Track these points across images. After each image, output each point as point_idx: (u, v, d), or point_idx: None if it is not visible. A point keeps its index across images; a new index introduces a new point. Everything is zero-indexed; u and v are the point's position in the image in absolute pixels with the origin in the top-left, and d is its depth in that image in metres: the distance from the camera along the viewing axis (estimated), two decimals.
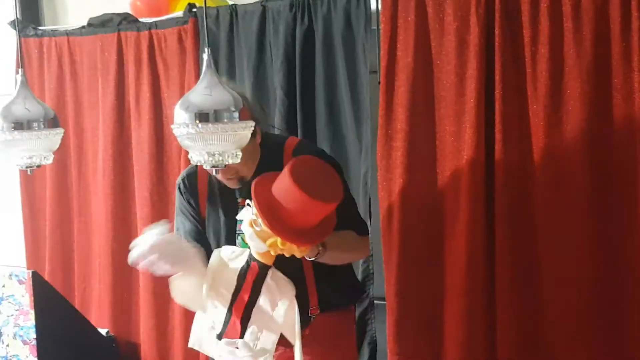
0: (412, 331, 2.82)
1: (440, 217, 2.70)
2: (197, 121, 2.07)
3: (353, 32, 3.01)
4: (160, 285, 3.55)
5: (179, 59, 3.49)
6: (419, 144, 2.75)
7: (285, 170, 2.28)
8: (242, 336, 2.35)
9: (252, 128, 2.14)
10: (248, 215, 2.31)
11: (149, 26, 3.57)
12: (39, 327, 3.11)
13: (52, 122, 2.53)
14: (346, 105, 3.06)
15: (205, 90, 2.10)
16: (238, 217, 2.43)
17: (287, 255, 2.28)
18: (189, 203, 2.63)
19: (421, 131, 2.72)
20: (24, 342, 3.16)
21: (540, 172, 2.55)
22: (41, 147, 2.52)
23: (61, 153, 3.85)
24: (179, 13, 3.52)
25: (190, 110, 2.08)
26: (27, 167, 2.53)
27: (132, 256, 2.39)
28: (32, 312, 3.11)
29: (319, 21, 3.06)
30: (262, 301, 2.37)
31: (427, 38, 2.71)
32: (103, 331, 3.56)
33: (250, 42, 3.24)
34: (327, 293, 2.54)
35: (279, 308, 2.36)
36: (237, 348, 2.34)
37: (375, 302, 3.06)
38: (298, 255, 2.28)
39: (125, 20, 3.64)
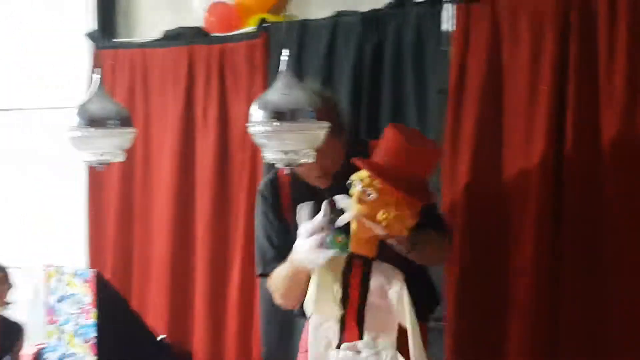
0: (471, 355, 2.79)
1: (505, 232, 2.70)
2: (273, 119, 2.09)
3: (423, 49, 3.02)
4: (216, 293, 3.62)
5: (248, 73, 3.54)
6: (484, 156, 2.77)
7: (386, 132, 2.27)
8: (361, 338, 2.27)
9: (327, 129, 2.16)
10: (347, 201, 2.24)
11: (220, 40, 3.63)
12: (100, 326, 3.14)
13: (126, 121, 2.59)
14: (412, 121, 3.06)
15: (283, 90, 2.14)
16: (338, 205, 2.27)
17: (397, 229, 2.19)
18: (274, 208, 2.59)
19: (487, 144, 2.74)
20: (85, 341, 3.20)
21: (610, 181, 2.54)
22: (113, 144, 2.59)
23: (128, 162, 3.91)
24: (250, 28, 3.57)
25: (268, 108, 2.12)
26: (98, 164, 2.59)
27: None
28: (94, 310, 3.14)
29: (389, 37, 3.09)
30: (373, 297, 2.28)
31: (499, 53, 2.74)
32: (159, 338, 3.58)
33: (319, 57, 3.27)
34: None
35: (390, 298, 2.27)
36: (359, 351, 2.26)
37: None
38: (411, 224, 2.20)
39: (198, 35, 3.72)
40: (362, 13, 3.18)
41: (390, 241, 2.26)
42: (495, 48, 2.76)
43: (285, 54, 2.16)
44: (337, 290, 2.30)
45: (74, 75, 4.06)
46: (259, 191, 2.65)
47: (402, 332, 2.29)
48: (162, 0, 4.10)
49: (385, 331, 2.29)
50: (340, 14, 3.25)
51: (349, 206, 2.24)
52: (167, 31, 3.80)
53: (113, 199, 3.94)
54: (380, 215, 2.18)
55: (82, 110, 2.52)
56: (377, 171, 2.19)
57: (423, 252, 2.35)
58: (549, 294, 2.65)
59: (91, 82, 2.59)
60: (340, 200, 2.26)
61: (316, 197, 2.41)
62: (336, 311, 2.31)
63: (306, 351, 2.46)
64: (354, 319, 2.29)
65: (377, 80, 3.16)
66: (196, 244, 3.70)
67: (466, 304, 2.81)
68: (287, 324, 3.30)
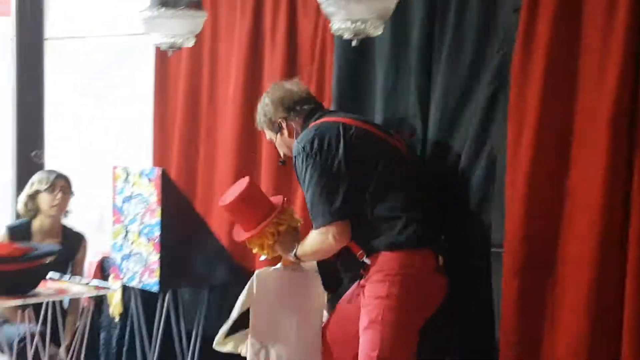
0: (527, 282, 2.70)
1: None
2: None
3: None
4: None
5: None
6: (552, 117, 2.65)
7: None
8: None
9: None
10: None
11: None
12: (164, 225, 3.18)
13: (196, 5, 2.61)
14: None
15: None
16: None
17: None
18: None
19: (555, 106, 2.62)
20: (148, 239, 3.24)
21: None
22: (184, 27, 2.60)
23: (195, 78, 3.96)
24: None
25: None
26: (168, 47, 2.61)
27: None
28: (159, 209, 3.17)
29: None
30: None
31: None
32: None
33: None
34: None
35: None
36: None
37: (492, 249, 2.96)
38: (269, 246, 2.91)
39: None
40: None
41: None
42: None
43: None
44: None
45: None
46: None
47: None
48: None
49: None
50: None
51: None
52: None
53: (179, 116, 3.97)
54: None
55: None
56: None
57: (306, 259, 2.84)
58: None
59: None
60: None
61: None
62: None
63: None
64: None
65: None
66: (261, 158, 3.71)
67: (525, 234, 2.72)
68: None
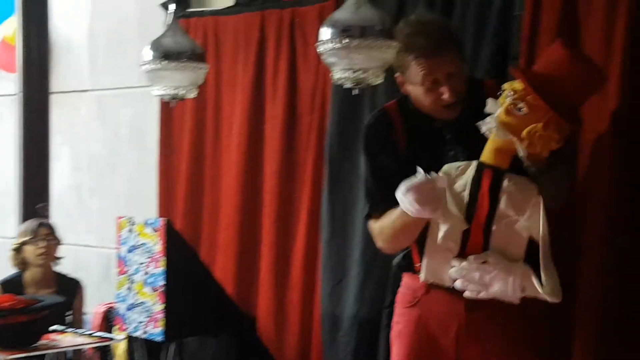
0: None
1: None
2: (343, 36, 2.11)
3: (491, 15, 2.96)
4: (281, 259, 3.63)
5: (318, 36, 3.55)
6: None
7: (555, 45, 2.16)
8: (485, 249, 2.17)
9: (397, 48, 2.16)
10: (496, 109, 2.14)
11: (292, 4, 3.67)
12: (168, 274, 3.19)
13: (199, 57, 2.65)
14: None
15: (352, 7, 2.15)
16: (487, 110, 2.16)
17: (539, 149, 2.09)
18: (385, 145, 2.40)
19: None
20: (153, 289, 3.24)
21: None
22: (186, 79, 2.65)
23: (199, 128, 4.01)
24: None
25: (336, 26, 2.14)
26: (171, 99, 2.65)
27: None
28: (163, 258, 3.18)
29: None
30: (504, 208, 2.16)
31: (575, 19, 2.64)
32: None
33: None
34: None
35: (524, 212, 2.17)
36: (486, 262, 2.14)
37: None
38: (554, 147, 2.10)
39: (270, 0, 3.76)
40: None
41: (525, 160, 2.15)
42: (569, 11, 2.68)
43: None
44: (464, 197, 2.19)
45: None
46: (367, 127, 2.48)
47: None
48: None
49: (512, 244, 2.19)
50: None
51: (494, 112, 2.14)
52: None
53: (184, 165, 4.01)
54: (525, 133, 2.08)
55: (156, 44, 2.59)
56: (536, 86, 2.07)
57: (552, 183, 2.22)
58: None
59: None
60: (491, 104, 2.15)
61: (434, 133, 2.33)
62: (461, 219, 2.19)
63: (407, 306, 2.39)
64: (480, 229, 2.19)
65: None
66: (264, 207, 3.73)
67: None
68: (344, 283, 3.32)
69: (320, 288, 3.46)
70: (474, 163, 2.19)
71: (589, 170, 2.58)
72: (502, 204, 2.16)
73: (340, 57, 2.14)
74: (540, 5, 2.75)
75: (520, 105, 2.08)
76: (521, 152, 2.11)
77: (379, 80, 2.18)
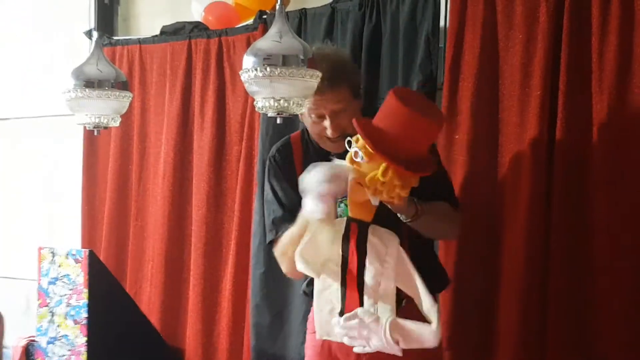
0: (463, 324, 2.77)
1: (500, 213, 2.68)
2: (265, 65, 2.11)
3: (417, 30, 3.03)
4: (210, 290, 3.58)
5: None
6: (481, 137, 2.76)
7: (389, 96, 2.15)
8: (361, 305, 2.17)
9: (319, 78, 2.17)
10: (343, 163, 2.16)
11: (219, 33, 3.67)
12: (91, 307, 3.12)
13: (123, 85, 2.62)
14: None
15: (275, 37, 2.15)
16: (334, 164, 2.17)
17: (386, 197, 2.09)
18: (285, 173, 2.48)
19: (484, 124, 2.73)
20: (75, 322, 3.17)
21: (602, 166, 2.52)
22: (110, 108, 2.60)
23: (124, 157, 3.95)
24: (249, 21, 3.61)
25: (259, 55, 2.14)
26: (94, 127, 2.61)
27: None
28: (86, 291, 3.11)
29: (387, 20, 3.10)
30: (371, 260, 2.18)
31: (495, 33, 2.75)
32: None
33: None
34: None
35: (387, 262, 2.18)
36: (359, 319, 2.14)
37: None
38: (402, 194, 2.10)
39: (197, 29, 3.75)
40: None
41: (391, 207, 2.18)
42: (490, 24, 2.77)
43: (279, 2, 2.18)
44: (338, 254, 2.21)
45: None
46: (270, 157, 2.55)
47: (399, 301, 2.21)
48: (160, 5, 4.16)
49: (384, 296, 2.20)
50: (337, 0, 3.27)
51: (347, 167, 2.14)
52: (166, 26, 3.83)
53: (108, 196, 3.95)
54: (367, 180, 2.10)
55: (79, 72, 2.54)
56: (367, 132, 2.10)
57: (426, 222, 2.27)
58: (539, 280, 2.62)
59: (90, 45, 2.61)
60: (338, 161, 2.18)
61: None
62: (337, 275, 2.20)
63: (312, 332, 2.40)
64: (354, 286, 2.19)
65: (376, 62, 3.13)
66: (191, 237, 3.69)
67: (460, 277, 2.78)
68: (277, 317, 3.29)
69: (249, 320, 3.42)
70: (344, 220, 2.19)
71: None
72: (368, 256, 2.17)
73: (262, 86, 2.13)
74: (463, 38, 2.82)
75: (361, 153, 2.09)
76: (373, 201, 2.13)
77: (302, 109, 2.18)
